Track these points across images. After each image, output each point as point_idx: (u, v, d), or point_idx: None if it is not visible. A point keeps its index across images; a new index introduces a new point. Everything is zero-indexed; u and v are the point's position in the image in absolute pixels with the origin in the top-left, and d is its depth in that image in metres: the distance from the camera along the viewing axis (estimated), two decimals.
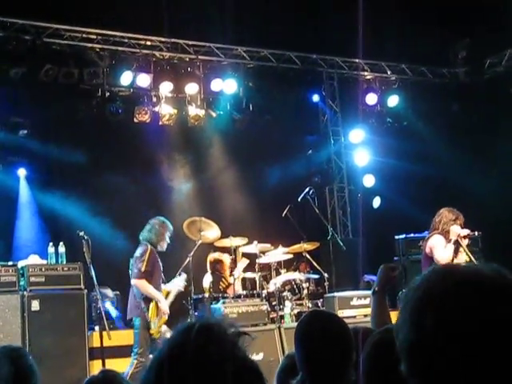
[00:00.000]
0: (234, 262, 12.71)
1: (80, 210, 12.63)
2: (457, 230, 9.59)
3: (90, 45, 13.91)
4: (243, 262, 12.93)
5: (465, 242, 9.77)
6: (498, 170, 15.61)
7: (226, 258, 12.96)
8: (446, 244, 9.63)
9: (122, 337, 11.03)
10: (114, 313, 11.97)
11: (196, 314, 11.68)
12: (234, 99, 15.19)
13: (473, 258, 9.89)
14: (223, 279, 12.97)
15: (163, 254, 13.63)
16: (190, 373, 1.78)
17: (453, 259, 9.63)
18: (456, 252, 9.70)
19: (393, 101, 16.58)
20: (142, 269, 10.00)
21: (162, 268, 10.37)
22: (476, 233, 9.96)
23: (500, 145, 15.38)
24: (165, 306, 10.18)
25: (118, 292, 12.08)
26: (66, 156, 13.39)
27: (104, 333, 8.93)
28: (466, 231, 9.73)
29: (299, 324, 4.01)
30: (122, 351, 10.45)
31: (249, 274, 12.89)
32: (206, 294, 12.11)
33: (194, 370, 1.78)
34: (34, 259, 11.24)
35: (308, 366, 3.76)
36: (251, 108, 15.33)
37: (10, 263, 11.20)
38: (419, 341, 1.72)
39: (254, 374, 1.88)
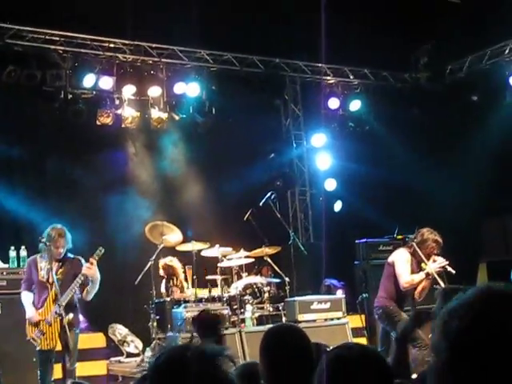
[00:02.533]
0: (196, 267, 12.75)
1: (42, 213, 12.56)
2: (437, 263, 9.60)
3: (52, 46, 13.85)
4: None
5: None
6: (457, 174, 15.79)
7: (177, 263, 13.05)
8: (411, 262, 9.70)
9: (85, 340, 11.01)
10: None
11: (157, 317, 11.71)
12: (197, 102, 15.19)
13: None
14: (177, 283, 13.03)
15: (123, 258, 13.68)
16: None
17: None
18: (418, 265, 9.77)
19: (355, 105, 16.71)
20: (22, 280, 9.60)
21: (52, 275, 9.14)
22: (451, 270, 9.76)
23: (459, 150, 15.57)
24: (28, 314, 9.20)
25: (79, 295, 12.01)
26: (28, 158, 13.34)
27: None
28: (443, 262, 9.65)
29: (265, 335, 4.10)
30: (84, 354, 10.44)
31: (210, 277, 12.95)
32: (168, 299, 12.17)
33: None
34: None
35: (272, 375, 3.84)
36: (214, 111, 15.32)
37: None
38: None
39: None
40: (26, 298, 9.37)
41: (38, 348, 9.12)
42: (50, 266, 9.22)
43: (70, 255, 9.44)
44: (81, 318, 11.98)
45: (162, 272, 13.05)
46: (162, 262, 13.08)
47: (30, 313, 9.20)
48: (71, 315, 9.17)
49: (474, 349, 1.79)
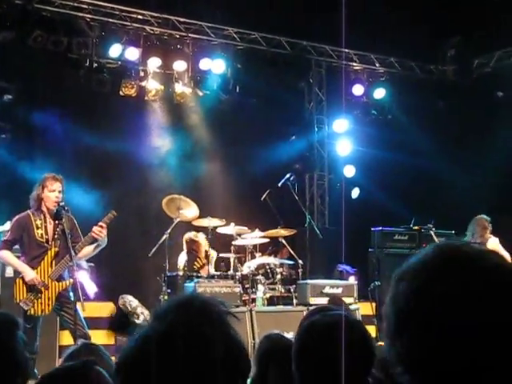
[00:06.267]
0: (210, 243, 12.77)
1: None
2: None
3: (80, 14, 13.82)
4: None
5: None
6: (478, 169, 15.70)
7: (202, 238, 12.98)
8: None
9: (95, 308, 11.05)
10: (88, 284, 11.95)
11: (169, 291, 11.71)
12: (222, 80, 15.14)
13: None
14: (198, 259, 13.00)
15: (139, 230, 13.70)
16: (186, 351, 1.80)
17: None
18: None
19: (379, 93, 16.63)
20: (4, 238, 8.74)
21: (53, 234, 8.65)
22: None
23: (482, 145, 15.47)
24: (29, 275, 8.44)
25: (92, 264, 12.03)
26: (49, 123, 13.34)
27: (78, 303, 8.75)
28: None
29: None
30: (94, 323, 10.44)
31: (224, 255, 12.94)
32: (180, 273, 12.16)
33: (190, 348, 1.81)
34: None
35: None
36: (238, 90, 15.29)
37: None
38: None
39: (244, 355, 1.93)
40: (12, 257, 8.65)
41: (28, 313, 8.40)
42: (44, 223, 8.64)
43: (65, 213, 8.64)
44: (90, 284, 12.03)
45: (184, 245, 13.00)
46: (186, 235, 13.03)
47: (31, 273, 8.45)
48: (70, 279, 8.63)
49: (424, 313, 1.62)
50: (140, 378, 1.82)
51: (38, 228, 8.61)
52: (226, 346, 1.86)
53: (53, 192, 8.64)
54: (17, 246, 8.83)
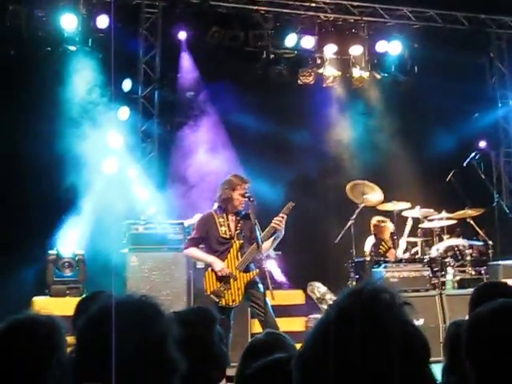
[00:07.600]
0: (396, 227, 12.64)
1: (244, 171, 12.77)
2: None
3: (255, 7, 14.03)
4: (408, 225, 12.74)
5: None
6: None
7: (389, 223, 12.86)
8: None
9: (284, 297, 11.20)
10: (276, 272, 12.13)
11: (357, 276, 11.72)
12: (399, 61, 14.99)
13: None
14: (383, 243, 12.90)
15: (324, 217, 13.75)
16: (357, 337, 1.82)
17: None
18: None
19: None
20: (190, 237, 9.32)
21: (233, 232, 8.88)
22: None
23: None
24: (219, 265, 8.70)
25: (279, 252, 12.18)
26: (230, 116, 13.61)
27: (268, 292, 8.87)
28: None
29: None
30: (284, 310, 10.57)
31: (411, 239, 12.78)
32: (368, 258, 12.11)
33: (361, 334, 1.83)
34: None
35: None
36: (416, 70, 15.05)
37: (178, 222, 11.60)
38: None
39: (419, 340, 1.92)
40: (199, 252, 9.01)
41: (219, 304, 8.60)
42: (227, 220, 8.87)
43: (250, 205, 8.80)
44: (279, 272, 12.20)
45: (371, 230, 12.95)
46: (374, 220, 12.96)
47: (220, 264, 8.70)
48: (257, 270, 8.84)
49: None
50: (317, 364, 1.87)
51: (221, 225, 8.86)
52: (400, 329, 1.86)
53: (243, 196, 8.81)
54: None
